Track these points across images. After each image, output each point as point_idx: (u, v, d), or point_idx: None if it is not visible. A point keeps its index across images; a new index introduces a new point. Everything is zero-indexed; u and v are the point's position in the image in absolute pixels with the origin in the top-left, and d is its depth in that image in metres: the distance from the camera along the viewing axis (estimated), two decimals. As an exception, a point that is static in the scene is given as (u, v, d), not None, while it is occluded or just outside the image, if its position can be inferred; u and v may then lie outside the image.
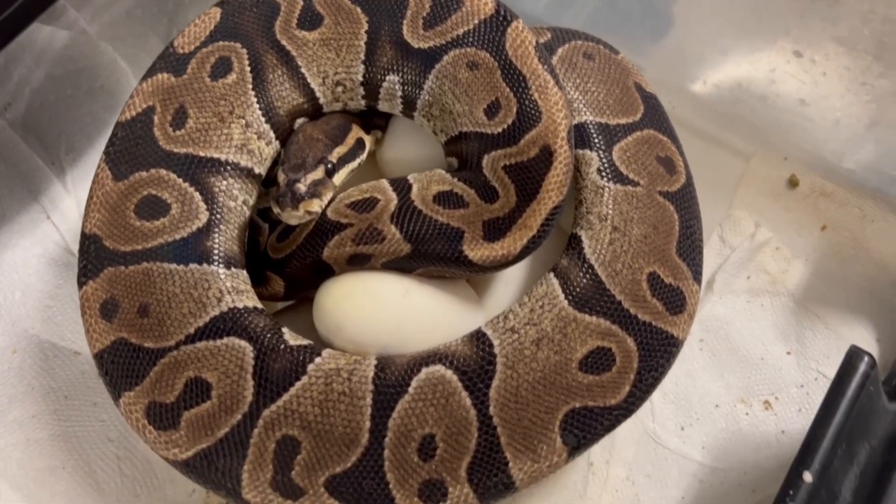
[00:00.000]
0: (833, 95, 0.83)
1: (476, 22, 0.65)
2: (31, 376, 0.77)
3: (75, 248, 0.82)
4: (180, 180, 0.65)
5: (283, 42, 0.68)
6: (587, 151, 0.67)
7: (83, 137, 0.87)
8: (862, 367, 0.66)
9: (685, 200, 0.69)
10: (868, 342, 0.81)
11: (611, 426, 0.63)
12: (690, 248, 0.67)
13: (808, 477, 0.62)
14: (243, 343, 0.61)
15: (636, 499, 0.75)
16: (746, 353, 0.81)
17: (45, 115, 0.86)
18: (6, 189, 0.83)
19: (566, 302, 0.63)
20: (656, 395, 0.79)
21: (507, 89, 0.64)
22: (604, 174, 0.67)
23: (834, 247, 0.85)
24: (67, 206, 0.84)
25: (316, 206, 0.63)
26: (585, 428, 0.62)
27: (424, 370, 0.61)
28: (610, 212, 0.66)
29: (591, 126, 0.68)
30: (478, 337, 0.63)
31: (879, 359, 0.80)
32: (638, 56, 0.82)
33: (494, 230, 0.63)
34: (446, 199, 0.64)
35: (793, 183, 0.88)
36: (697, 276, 0.68)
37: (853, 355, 0.66)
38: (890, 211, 0.86)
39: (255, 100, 0.68)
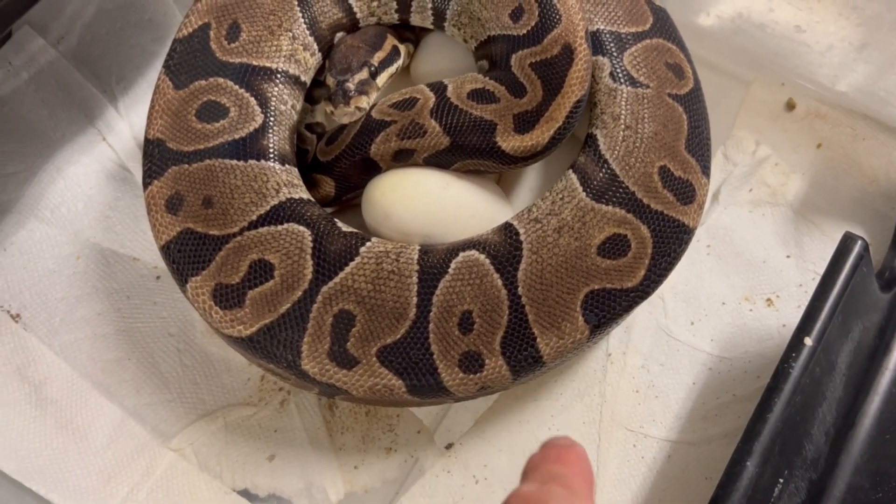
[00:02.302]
0: (827, 20, 0.90)
1: None
2: (94, 279, 0.83)
3: (130, 165, 0.89)
4: (237, 87, 0.71)
5: None
6: (600, 57, 0.74)
7: (132, 67, 0.93)
8: (856, 249, 0.73)
9: (693, 102, 0.75)
10: (860, 245, 0.88)
11: (628, 307, 0.68)
12: (699, 145, 0.73)
13: (808, 341, 0.69)
14: (302, 228, 0.67)
15: (651, 384, 0.82)
16: (750, 256, 0.87)
17: (97, 46, 0.91)
18: (64, 113, 0.88)
19: (584, 194, 0.70)
20: (668, 294, 0.86)
21: None
22: (616, 77, 0.73)
23: (828, 162, 0.92)
24: (121, 128, 0.90)
25: (364, 102, 0.70)
26: (605, 308, 0.67)
27: (462, 254, 0.68)
28: (622, 112, 0.72)
29: (603, 34, 0.74)
30: (506, 227, 0.70)
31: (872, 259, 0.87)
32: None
33: (524, 122, 0.69)
34: (479, 96, 0.70)
35: (790, 106, 0.95)
36: (706, 169, 0.73)
37: (848, 239, 0.74)
38: (880, 130, 0.92)
39: (301, 15, 0.74)
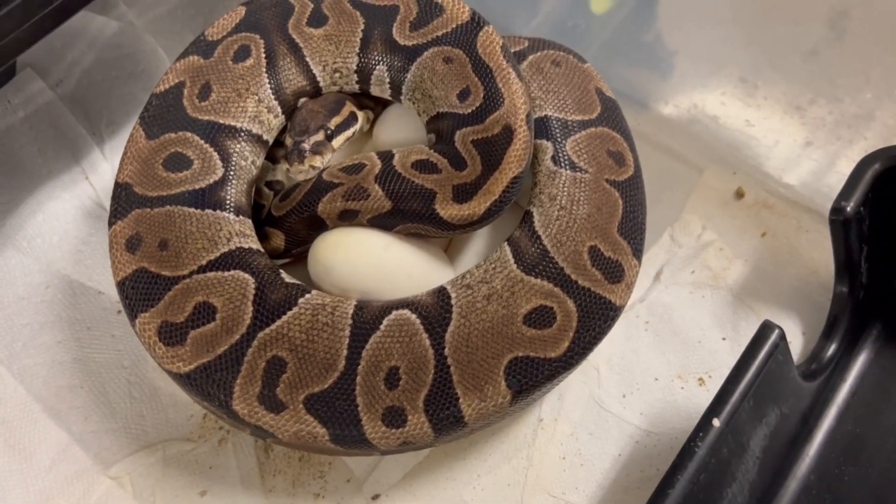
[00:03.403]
0: (773, 118, 0.95)
1: (454, 26, 0.78)
2: (59, 308, 0.88)
3: (107, 204, 0.95)
4: (202, 142, 0.77)
5: (294, 36, 0.81)
6: (544, 141, 0.79)
7: (122, 113, 0.99)
8: (772, 337, 0.76)
9: (631, 189, 0.79)
10: (795, 334, 0.90)
11: (551, 376, 0.71)
12: (632, 229, 0.77)
13: (716, 423, 0.72)
14: (247, 276, 0.72)
15: (578, 452, 0.84)
16: (686, 335, 0.91)
17: (92, 91, 0.99)
18: (52, 151, 0.95)
19: (515, 266, 0.73)
20: (603, 366, 0.89)
21: (476, 79, 0.76)
22: (557, 161, 0.78)
23: (772, 251, 0.96)
24: (103, 169, 0.96)
25: (318, 161, 0.76)
26: (527, 375, 0.70)
27: (395, 312, 0.71)
28: (559, 193, 0.76)
29: (551, 120, 0.79)
30: (440, 290, 0.74)
31: (803, 348, 0.90)
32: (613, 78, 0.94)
33: (462, 193, 0.73)
34: (423, 166, 0.75)
35: (739, 194, 1.00)
36: (637, 252, 0.77)
37: (766, 327, 0.77)
38: (823, 223, 0.95)
39: (268, 81, 0.80)
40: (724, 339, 0.91)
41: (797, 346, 0.90)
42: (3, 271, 0.88)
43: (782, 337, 0.76)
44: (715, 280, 0.94)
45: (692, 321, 0.92)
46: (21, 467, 0.80)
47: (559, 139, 0.79)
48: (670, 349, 0.90)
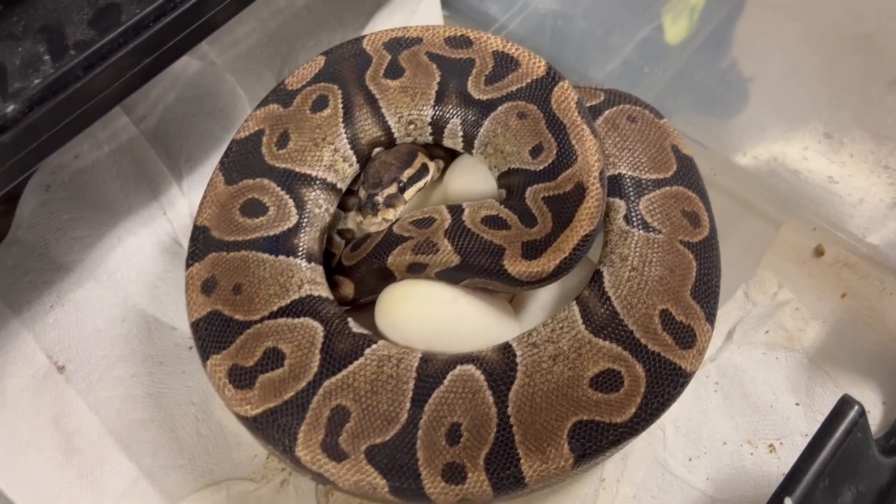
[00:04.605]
0: (858, 175, 0.92)
1: (529, 81, 0.79)
2: (134, 342, 0.91)
3: (184, 240, 0.98)
4: (279, 189, 0.79)
5: (371, 87, 0.82)
6: (617, 199, 0.78)
7: (200, 150, 1.02)
8: (851, 414, 0.73)
9: (705, 251, 0.77)
10: (874, 403, 0.87)
11: (616, 441, 0.70)
12: (706, 293, 0.76)
13: (788, 502, 0.69)
14: (316, 324, 0.73)
15: (640, 516, 0.83)
16: (757, 399, 0.88)
17: (172, 128, 1.02)
18: (133, 186, 0.98)
19: (583, 326, 0.73)
20: (669, 427, 0.87)
21: (550, 135, 0.76)
22: (630, 221, 0.77)
23: (851, 314, 0.92)
24: (181, 205, 0.99)
25: (391, 214, 0.77)
26: (591, 439, 0.69)
27: (459, 367, 0.72)
28: (631, 253, 0.76)
29: (624, 178, 0.79)
30: (505, 347, 0.74)
31: (882, 419, 0.86)
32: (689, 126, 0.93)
33: (532, 250, 0.73)
34: (492, 222, 0.75)
35: (819, 252, 0.96)
36: (710, 317, 0.76)
37: (844, 402, 0.74)
38: (909, 286, 0.93)
39: (344, 131, 0.82)
40: (797, 404, 0.88)
41: (876, 416, 0.86)
42: (84, 303, 0.92)
43: (862, 413, 0.73)
44: (790, 342, 0.91)
45: (764, 384, 0.89)
46: (94, 498, 0.83)
47: (632, 198, 0.78)
48: (740, 412, 0.88)
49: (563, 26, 1.11)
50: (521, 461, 0.68)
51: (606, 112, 0.83)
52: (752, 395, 0.88)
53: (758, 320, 0.93)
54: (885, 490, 0.79)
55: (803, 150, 0.95)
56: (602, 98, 0.85)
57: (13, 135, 0.66)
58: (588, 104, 0.84)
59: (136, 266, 0.95)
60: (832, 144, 0.92)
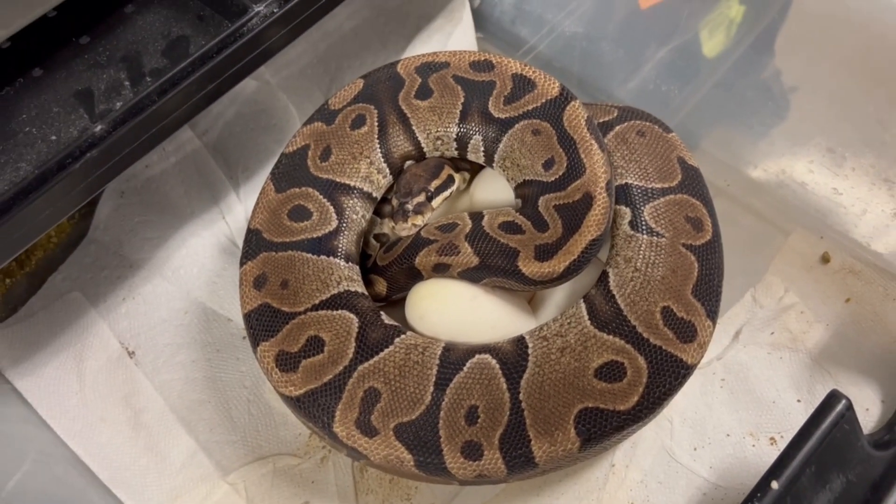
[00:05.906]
0: (861, 187, 0.97)
1: (543, 101, 0.87)
2: (195, 332, 1.02)
3: (239, 241, 1.09)
4: (321, 197, 0.88)
5: (403, 107, 0.91)
6: (624, 207, 0.85)
7: (256, 161, 1.13)
8: (838, 407, 0.78)
9: (707, 253, 0.83)
10: (873, 401, 0.92)
11: (619, 428, 0.75)
12: (707, 292, 0.81)
13: (774, 485, 0.75)
14: (352, 315, 0.82)
15: (647, 499, 0.89)
16: (761, 395, 0.94)
17: (231, 141, 1.12)
18: (196, 193, 1.10)
19: (589, 322, 0.80)
20: (676, 419, 0.94)
21: (561, 150, 0.84)
22: (635, 226, 0.84)
23: (855, 317, 0.97)
24: (237, 211, 1.10)
25: (420, 220, 0.86)
26: (596, 425, 0.75)
27: (477, 356, 0.79)
28: (635, 256, 0.82)
29: (631, 188, 0.85)
30: (519, 339, 0.81)
31: (881, 416, 0.91)
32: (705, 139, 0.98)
33: (544, 253, 0.81)
34: (508, 227, 0.83)
35: (825, 259, 1.02)
36: (712, 314, 0.81)
37: (833, 396, 0.79)
38: (911, 292, 0.97)
39: (379, 146, 0.91)
40: (798, 400, 0.93)
41: (875, 413, 0.91)
42: (151, 296, 1.03)
43: (849, 407, 0.78)
44: (794, 342, 0.97)
45: (768, 381, 0.95)
46: (158, 467, 0.94)
47: (638, 205, 0.85)
48: (744, 407, 0.93)
49: (590, 48, 1.18)
50: (532, 443, 0.75)
51: (618, 127, 0.90)
52: (755, 391, 0.94)
53: (764, 322, 0.99)
54: (878, 483, 0.85)
55: (808, 163, 1.01)
56: (615, 114, 0.92)
57: (100, 150, 0.76)
58: (602, 120, 0.91)
59: (198, 264, 1.06)
60: (835, 158, 0.98)
